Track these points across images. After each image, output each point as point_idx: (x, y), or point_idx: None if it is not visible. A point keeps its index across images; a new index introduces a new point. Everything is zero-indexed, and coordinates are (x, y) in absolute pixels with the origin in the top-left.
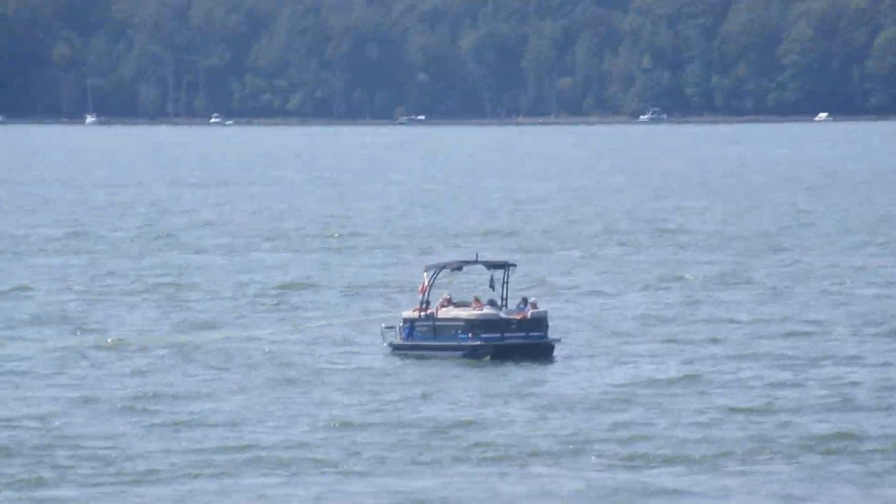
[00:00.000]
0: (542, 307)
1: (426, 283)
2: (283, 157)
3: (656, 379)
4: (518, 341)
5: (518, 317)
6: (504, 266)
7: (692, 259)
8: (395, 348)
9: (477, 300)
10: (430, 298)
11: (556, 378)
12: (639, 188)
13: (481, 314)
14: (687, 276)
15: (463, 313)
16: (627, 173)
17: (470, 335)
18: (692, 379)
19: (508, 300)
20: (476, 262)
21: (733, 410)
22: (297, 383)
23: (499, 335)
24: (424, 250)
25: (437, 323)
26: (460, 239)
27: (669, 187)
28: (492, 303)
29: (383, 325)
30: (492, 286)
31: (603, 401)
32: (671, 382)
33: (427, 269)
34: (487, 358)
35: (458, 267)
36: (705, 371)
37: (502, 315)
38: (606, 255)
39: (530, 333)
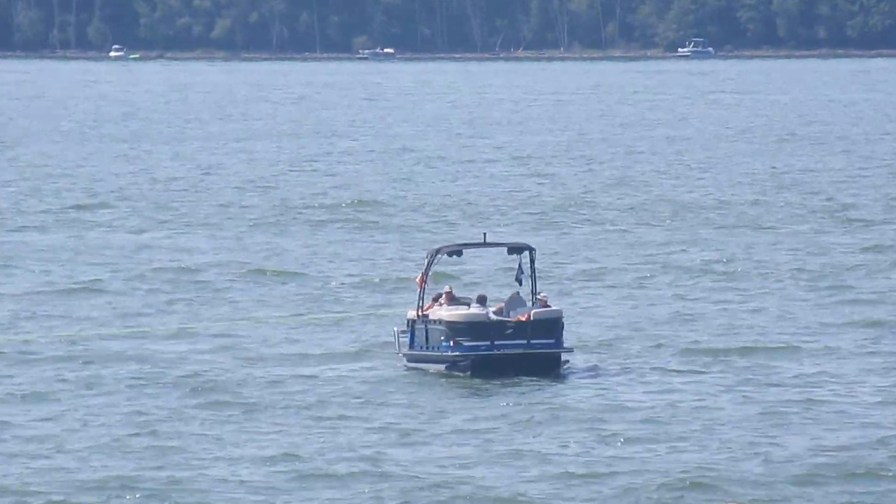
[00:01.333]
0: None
1: (424, 273)
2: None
3: (690, 399)
4: (512, 351)
5: (519, 318)
6: (522, 249)
7: (734, 242)
8: (407, 358)
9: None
10: (432, 292)
11: (563, 399)
12: (669, 150)
13: (464, 315)
14: (728, 262)
15: (445, 314)
16: (656, 126)
17: (451, 343)
18: (727, 394)
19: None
20: (484, 244)
21: (788, 444)
22: (256, 410)
23: (487, 343)
24: (409, 228)
25: (428, 326)
26: (456, 212)
27: (708, 150)
28: (481, 300)
29: (395, 328)
30: (518, 279)
31: (626, 432)
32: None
33: (428, 254)
34: (467, 374)
35: (456, 251)
36: (744, 387)
37: (492, 316)
38: (627, 235)
39: (533, 340)
